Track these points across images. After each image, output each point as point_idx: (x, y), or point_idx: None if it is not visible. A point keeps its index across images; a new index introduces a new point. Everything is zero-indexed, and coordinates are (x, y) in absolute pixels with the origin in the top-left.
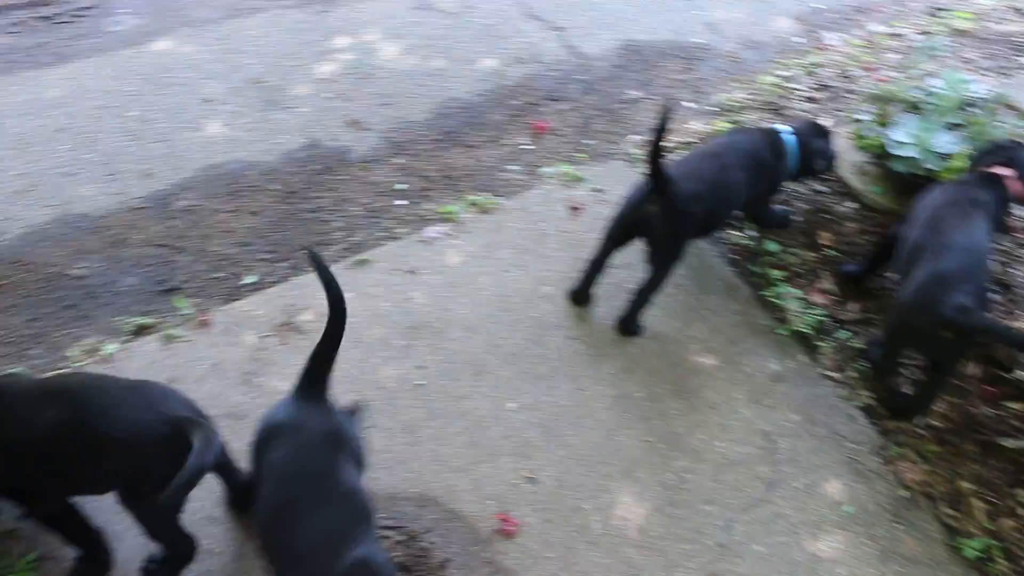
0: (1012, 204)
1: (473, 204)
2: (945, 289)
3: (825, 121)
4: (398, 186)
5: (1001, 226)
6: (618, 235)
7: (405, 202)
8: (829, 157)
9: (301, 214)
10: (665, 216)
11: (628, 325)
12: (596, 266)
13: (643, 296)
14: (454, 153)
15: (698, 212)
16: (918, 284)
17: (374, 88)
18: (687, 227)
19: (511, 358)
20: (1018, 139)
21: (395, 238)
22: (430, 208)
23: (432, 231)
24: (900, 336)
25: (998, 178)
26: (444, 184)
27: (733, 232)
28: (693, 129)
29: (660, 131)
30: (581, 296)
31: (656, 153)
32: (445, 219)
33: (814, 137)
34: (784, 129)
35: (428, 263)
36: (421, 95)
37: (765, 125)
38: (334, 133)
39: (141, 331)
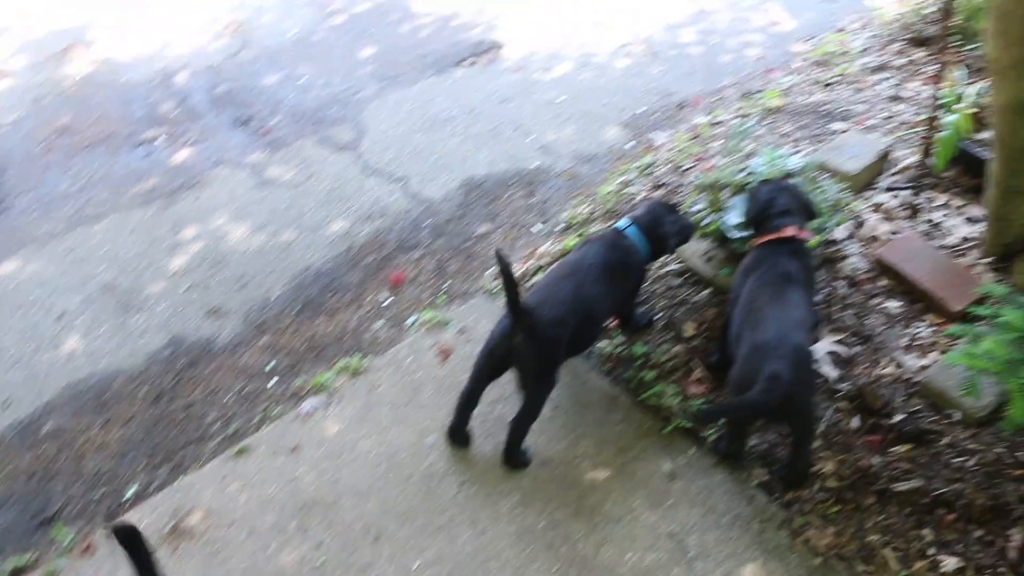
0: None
1: (344, 370)
2: (764, 359)
3: None
4: (267, 366)
5: (813, 285)
6: (488, 370)
7: (276, 380)
8: (681, 231)
9: (174, 414)
10: (531, 346)
11: (513, 457)
12: (468, 402)
13: (521, 425)
14: (318, 322)
15: (563, 336)
16: (741, 360)
17: (228, 272)
18: (555, 353)
19: (407, 516)
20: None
21: (272, 419)
22: (302, 382)
23: (308, 405)
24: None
25: (795, 240)
26: (313, 355)
27: (602, 343)
28: (546, 251)
29: (507, 275)
30: (459, 434)
31: (510, 292)
32: (319, 390)
33: (661, 216)
34: (623, 224)
35: (308, 438)
36: (276, 270)
37: (608, 228)
38: (195, 325)
39: (19, 573)
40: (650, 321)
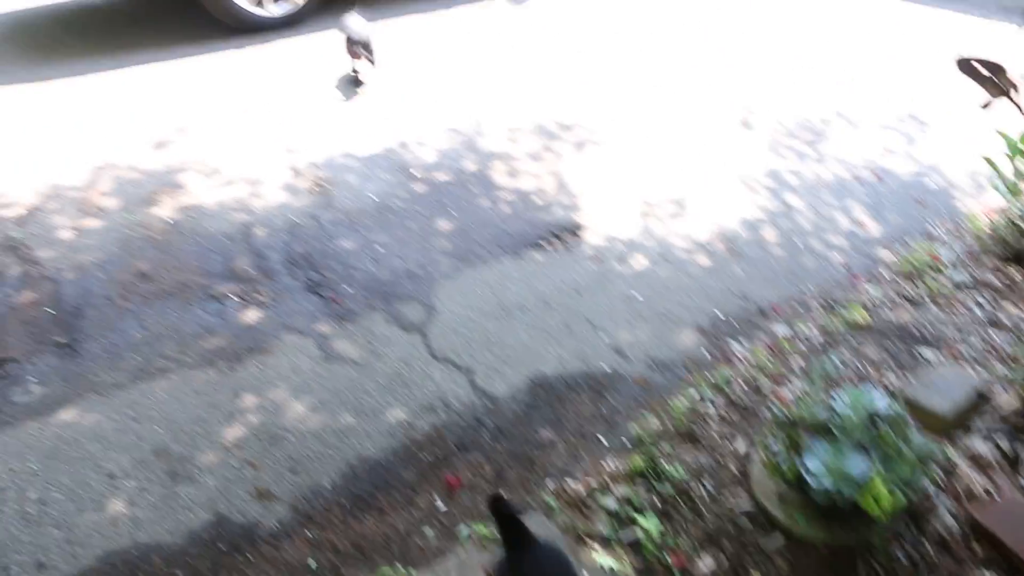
0: None
1: None
2: None
3: (739, 445)
4: (309, 564)
5: None
6: None
7: None
8: None
9: None
10: None
11: None
12: None
13: None
14: (366, 521)
15: None
16: None
17: (282, 452)
18: None
19: None
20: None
21: None
22: None
23: None
24: None
25: None
26: (356, 558)
27: None
28: (610, 469)
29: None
30: None
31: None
32: None
33: None
34: None
35: None
36: (330, 456)
37: None
38: (241, 506)
39: None
40: None
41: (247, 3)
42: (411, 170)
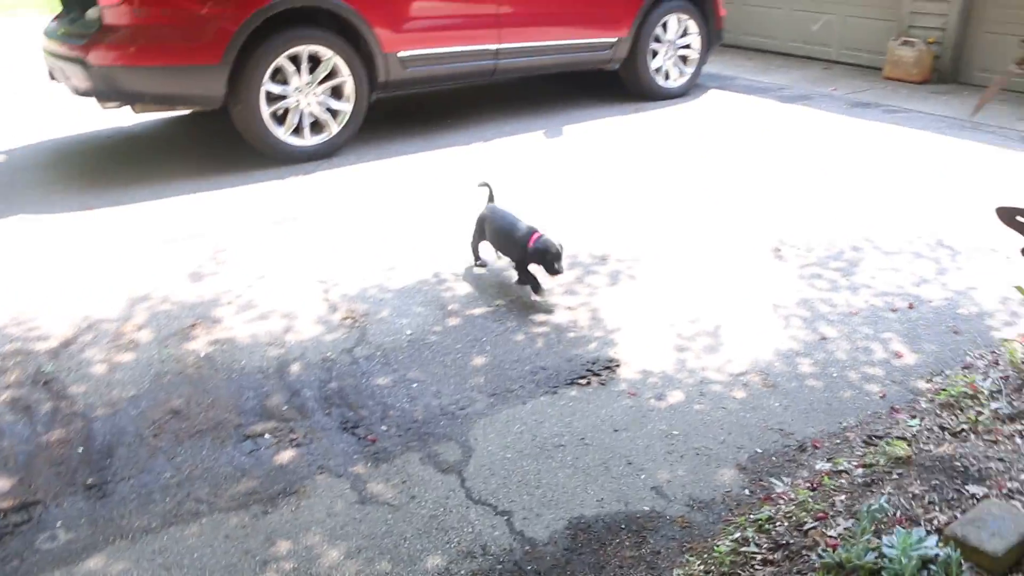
0: None
1: None
2: None
3: None
4: None
5: None
6: None
7: None
8: None
9: None
10: None
11: None
12: None
13: None
14: None
15: None
16: None
17: None
18: None
19: None
20: None
21: None
22: None
23: None
24: None
25: None
26: None
27: None
28: None
29: None
30: None
31: None
32: None
33: None
34: None
35: None
36: None
37: None
38: None
39: None
40: None
41: (284, 134)
42: (445, 304)
